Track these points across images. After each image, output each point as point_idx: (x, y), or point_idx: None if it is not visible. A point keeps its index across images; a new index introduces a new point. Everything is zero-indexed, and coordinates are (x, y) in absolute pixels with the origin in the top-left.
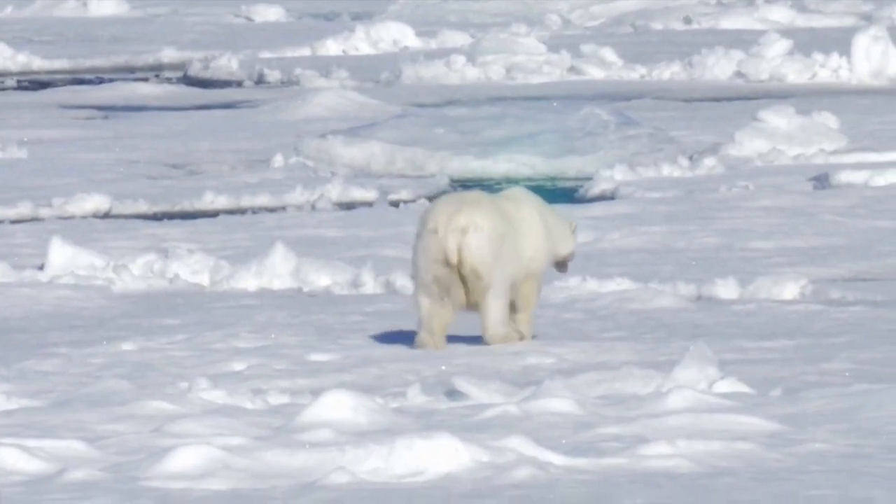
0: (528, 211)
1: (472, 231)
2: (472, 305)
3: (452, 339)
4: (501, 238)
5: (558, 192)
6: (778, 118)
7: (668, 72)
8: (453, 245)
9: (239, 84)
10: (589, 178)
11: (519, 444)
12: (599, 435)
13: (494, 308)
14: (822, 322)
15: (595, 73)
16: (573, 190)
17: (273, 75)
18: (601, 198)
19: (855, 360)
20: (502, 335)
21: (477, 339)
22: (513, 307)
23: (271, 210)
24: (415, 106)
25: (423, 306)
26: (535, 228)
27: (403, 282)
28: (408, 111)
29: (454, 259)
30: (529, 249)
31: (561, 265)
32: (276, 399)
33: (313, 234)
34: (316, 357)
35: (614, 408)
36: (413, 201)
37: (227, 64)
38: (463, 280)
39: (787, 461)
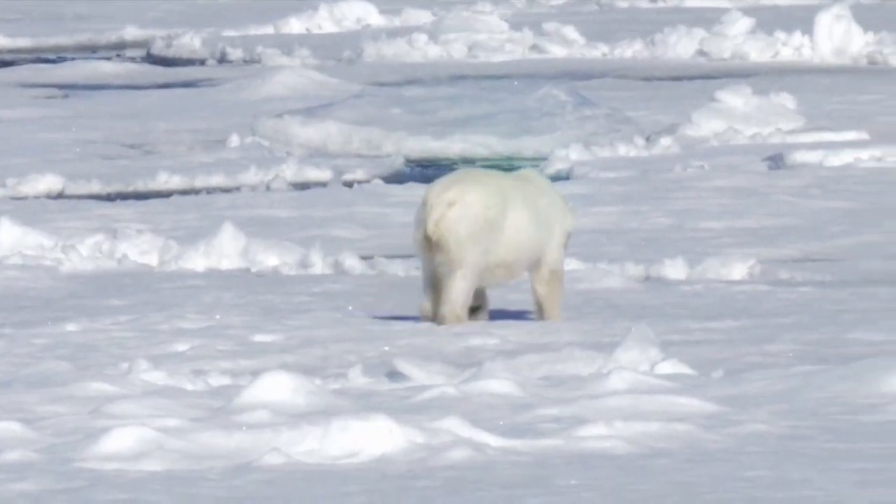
0: (544, 188)
1: (458, 206)
2: (438, 282)
3: (396, 319)
4: (489, 222)
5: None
6: (735, 98)
7: (631, 50)
8: (435, 215)
9: (201, 63)
10: (545, 159)
11: (455, 426)
12: (538, 416)
13: (457, 288)
14: (768, 303)
15: (557, 51)
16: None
17: (235, 54)
18: (556, 178)
19: (799, 342)
20: (455, 316)
21: (417, 319)
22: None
23: (226, 190)
24: (376, 85)
25: (422, 265)
26: (555, 207)
27: (353, 262)
28: (364, 91)
29: (431, 228)
30: (543, 228)
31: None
32: (216, 380)
33: (265, 214)
34: (259, 338)
35: (554, 389)
36: (367, 182)
37: (190, 42)
38: (432, 251)
39: (725, 442)
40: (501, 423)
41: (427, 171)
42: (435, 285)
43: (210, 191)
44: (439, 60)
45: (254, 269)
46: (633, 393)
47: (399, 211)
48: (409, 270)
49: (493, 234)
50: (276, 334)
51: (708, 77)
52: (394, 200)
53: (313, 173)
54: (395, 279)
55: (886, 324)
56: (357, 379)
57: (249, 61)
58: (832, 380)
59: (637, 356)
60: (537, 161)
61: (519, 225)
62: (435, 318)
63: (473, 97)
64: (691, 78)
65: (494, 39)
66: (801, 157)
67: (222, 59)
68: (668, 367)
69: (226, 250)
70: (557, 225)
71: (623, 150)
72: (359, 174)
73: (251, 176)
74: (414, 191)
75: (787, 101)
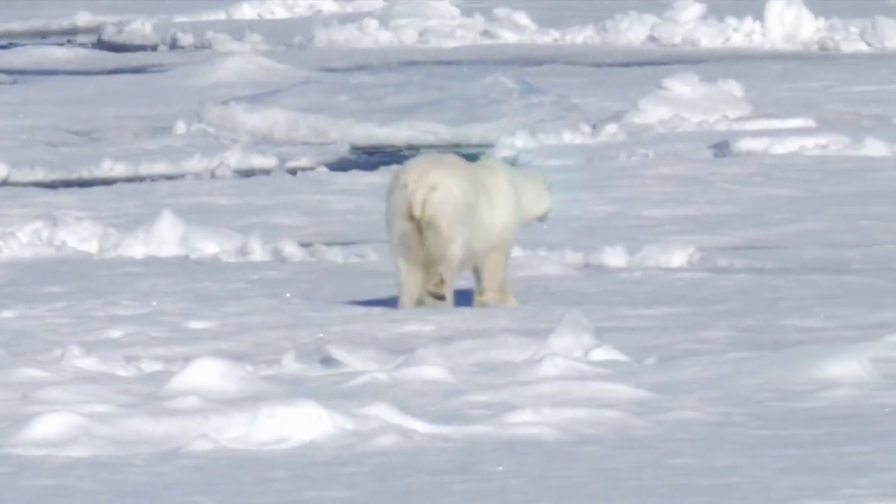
0: (503, 181)
1: (441, 189)
2: (431, 264)
3: (333, 306)
4: (468, 206)
5: None
6: (682, 85)
7: (582, 36)
8: (420, 198)
9: (153, 48)
10: (491, 146)
11: (384, 412)
12: (468, 402)
13: (454, 267)
14: (706, 290)
15: (508, 37)
16: (475, 157)
17: (186, 39)
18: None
19: (734, 328)
20: (448, 289)
21: (355, 305)
22: (477, 278)
23: (170, 178)
24: (326, 71)
25: (401, 270)
26: (510, 199)
27: (292, 249)
28: (311, 78)
29: (418, 212)
30: (501, 219)
31: (541, 220)
32: (149, 366)
33: (206, 201)
34: (194, 324)
35: (486, 375)
36: (312, 169)
37: (141, 28)
38: (423, 236)
39: (654, 429)
40: (431, 409)
41: (373, 158)
42: (427, 267)
43: (154, 178)
44: (390, 46)
45: (193, 257)
46: (564, 379)
47: (341, 198)
48: (348, 257)
49: (469, 218)
50: (211, 321)
51: (658, 63)
52: (336, 188)
53: (258, 160)
54: (333, 266)
55: (822, 311)
56: (289, 365)
57: (200, 47)
58: (764, 366)
59: (570, 343)
60: (484, 148)
61: (486, 214)
62: (437, 292)
63: (420, 84)
64: (641, 64)
65: (445, 25)
66: (746, 144)
67: (173, 45)
68: (601, 353)
69: (165, 238)
70: (513, 219)
71: (569, 137)
72: (303, 161)
73: (195, 163)
74: (358, 178)
75: (734, 88)
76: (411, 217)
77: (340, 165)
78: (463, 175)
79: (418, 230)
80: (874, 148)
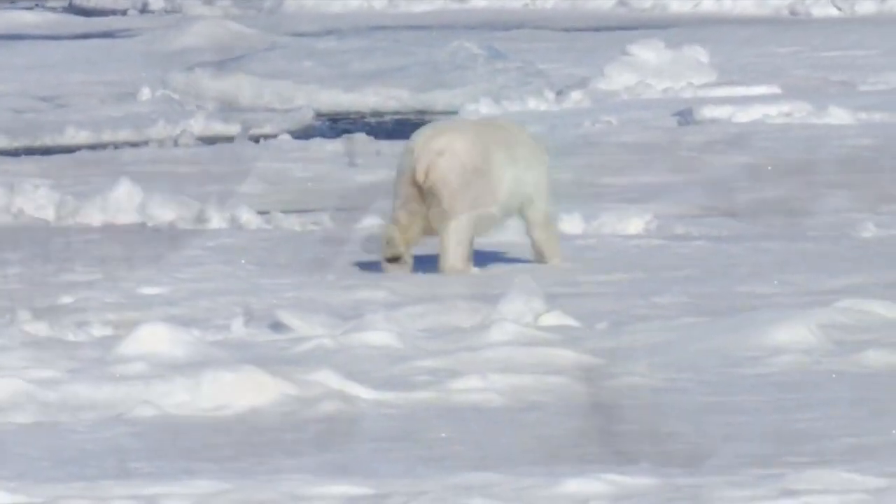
0: (524, 135)
1: (447, 154)
2: (430, 231)
3: (288, 272)
4: (477, 171)
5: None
6: (647, 51)
7: (551, 0)
8: (424, 164)
9: (123, 12)
10: (455, 112)
11: (328, 378)
12: (414, 368)
13: (454, 240)
14: (662, 257)
15: (478, 1)
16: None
17: (157, 3)
18: None
19: (688, 294)
20: (457, 268)
21: (309, 272)
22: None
23: (133, 145)
24: (295, 35)
25: (393, 227)
26: (536, 151)
27: (249, 216)
28: (277, 43)
29: (421, 177)
30: (529, 174)
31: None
32: (99, 331)
33: (167, 169)
34: (147, 290)
35: (433, 341)
36: (274, 136)
37: None
38: (426, 203)
39: (599, 395)
40: (376, 375)
41: (337, 125)
42: (427, 233)
43: (117, 145)
44: (360, 10)
45: (150, 224)
46: (512, 345)
47: (300, 166)
48: (305, 225)
49: (481, 182)
50: (164, 287)
51: (627, 28)
52: (297, 156)
53: (221, 127)
54: (289, 234)
55: (777, 277)
56: (238, 331)
57: (171, 11)
58: (714, 332)
59: (520, 308)
60: (449, 114)
61: (503, 172)
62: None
63: (386, 49)
64: (610, 29)
65: None
66: (710, 112)
67: (144, 9)
68: (551, 319)
69: (122, 205)
70: (542, 168)
71: (533, 103)
72: (267, 128)
73: (159, 130)
74: (320, 146)
75: (700, 54)
76: (415, 182)
77: (304, 133)
78: (472, 138)
79: (421, 196)
80: (838, 116)
